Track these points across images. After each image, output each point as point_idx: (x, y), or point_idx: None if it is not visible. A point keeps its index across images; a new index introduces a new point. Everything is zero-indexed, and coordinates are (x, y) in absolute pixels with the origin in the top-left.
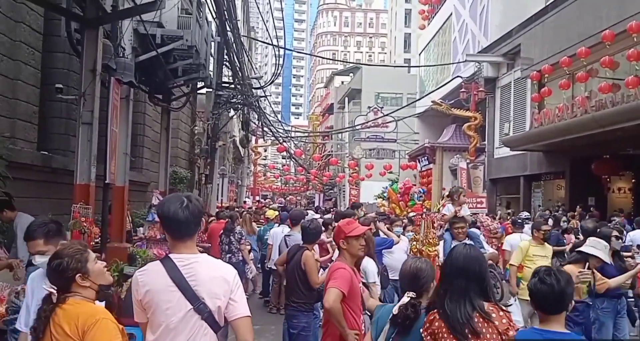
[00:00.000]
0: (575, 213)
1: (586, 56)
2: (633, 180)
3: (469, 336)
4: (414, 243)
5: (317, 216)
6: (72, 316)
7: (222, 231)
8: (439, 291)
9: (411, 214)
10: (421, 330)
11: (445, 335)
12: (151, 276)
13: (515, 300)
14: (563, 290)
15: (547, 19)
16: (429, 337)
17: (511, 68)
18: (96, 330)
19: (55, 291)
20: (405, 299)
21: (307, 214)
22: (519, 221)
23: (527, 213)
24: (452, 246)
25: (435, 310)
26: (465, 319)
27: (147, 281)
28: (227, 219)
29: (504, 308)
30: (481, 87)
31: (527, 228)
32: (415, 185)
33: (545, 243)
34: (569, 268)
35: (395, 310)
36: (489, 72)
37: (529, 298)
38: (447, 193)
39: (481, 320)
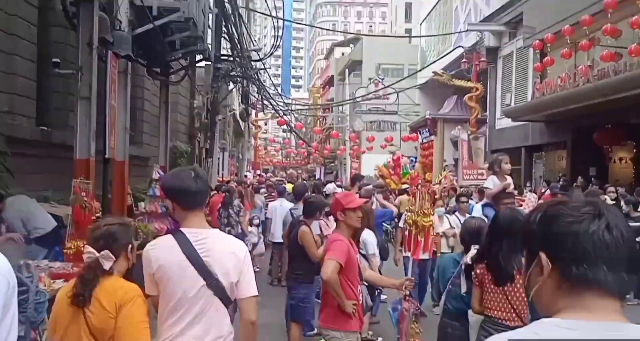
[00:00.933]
0: (578, 184)
1: (589, 24)
2: (634, 150)
3: (508, 283)
4: (409, 214)
5: (339, 190)
6: (109, 290)
7: (220, 205)
8: (491, 249)
9: (404, 186)
10: (473, 273)
11: (487, 280)
12: (163, 251)
13: None
14: None
15: None
16: (476, 280)
17: (513, 37)
18: (132, 305)
19: (113, 257)
20: (473, 251)
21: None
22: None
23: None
24: None
25: (484, 261)
26: (512, 270)
27: (159, 256)
28: (224, 193)
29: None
30: (483, 57)
31: None
32: (406, 156)
33: None
34: None
35: (468, 260)
36: (490, 42)
37: None
38: (446, 165)
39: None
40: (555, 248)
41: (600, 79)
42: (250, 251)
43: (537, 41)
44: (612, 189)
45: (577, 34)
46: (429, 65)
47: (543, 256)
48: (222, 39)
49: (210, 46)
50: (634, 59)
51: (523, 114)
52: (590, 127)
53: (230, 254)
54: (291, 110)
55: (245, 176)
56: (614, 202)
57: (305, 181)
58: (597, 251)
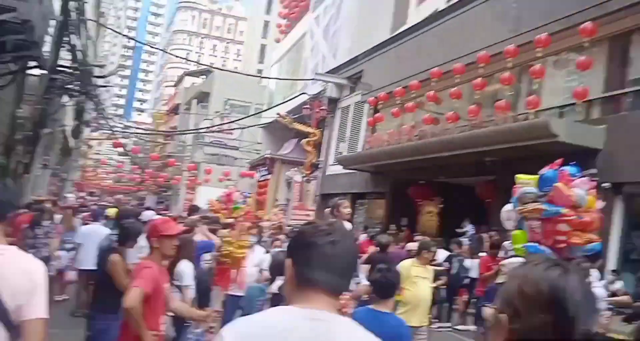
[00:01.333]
0: (391, 231)
1: (417, 89)
2: (440, 205)
3: None
4: (226, 245)
5: (157, 217)
6: None
7: (27, 225)
8: None
9: (229, 220)
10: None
11: None
12: None
13: None
14: (394, 283)
15: (388, 50)
16: None
17: (353, 91)
18: None
19: None
20: (279, 282)
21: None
22: None
23: None
24: None
25: None
26: None
27: None
28: (35, 212)
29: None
30: (324, 106)
31: None
32: (239, 191)
33: (427, 265)
34: None
35: (275, 290)
36: (333, 93)
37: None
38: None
39: None
40: (295, 255)
41: (419, 140)
42: (55, 277)
43: (373, 98)
44: (419, 237)
45: (406, 96)
46: (274, 106)
47: (287, 261)
48: (63, 49)
49: (47, 54)
50: (449, 124)
51: (353, 163)
52: (407, 181)
53: (23, 274)
54: (130, 132)
55: (66, 197)
56: None
57: (131, 207)
58: (319, 259)
